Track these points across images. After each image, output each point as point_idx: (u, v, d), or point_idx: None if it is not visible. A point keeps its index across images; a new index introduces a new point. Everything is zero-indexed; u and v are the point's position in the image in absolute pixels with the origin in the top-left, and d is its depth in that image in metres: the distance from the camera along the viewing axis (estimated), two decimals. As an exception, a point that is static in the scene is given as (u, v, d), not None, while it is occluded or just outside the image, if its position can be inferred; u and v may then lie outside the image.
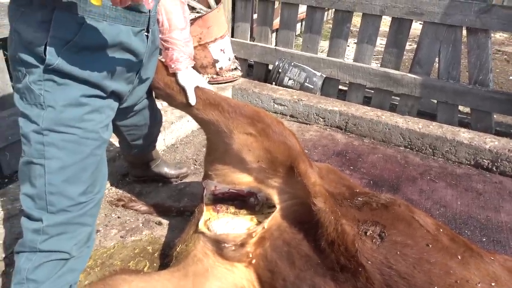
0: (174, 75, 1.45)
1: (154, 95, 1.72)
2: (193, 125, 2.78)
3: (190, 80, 1.43)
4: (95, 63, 1.09)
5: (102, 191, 1.23)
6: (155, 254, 1.67)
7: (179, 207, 1.93)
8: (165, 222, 1.86)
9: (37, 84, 1.05)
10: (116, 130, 1.67)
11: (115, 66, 1.15)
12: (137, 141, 1.78)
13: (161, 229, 1.82)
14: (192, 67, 1.48)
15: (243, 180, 1.43)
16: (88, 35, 1.05)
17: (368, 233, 1.19)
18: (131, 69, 1.24)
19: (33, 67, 1.04)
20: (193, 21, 2.94)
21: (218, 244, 1.34)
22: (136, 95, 1.43)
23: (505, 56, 5.60)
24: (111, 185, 2.08)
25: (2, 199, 1.69)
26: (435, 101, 3.11)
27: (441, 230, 1.22)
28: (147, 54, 1.29)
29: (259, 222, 1.40)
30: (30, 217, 1.09)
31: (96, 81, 1.11)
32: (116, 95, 1.23)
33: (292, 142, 1.31)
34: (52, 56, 1.02)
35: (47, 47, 1.01)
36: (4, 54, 2.03)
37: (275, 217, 1.36)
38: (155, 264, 1.62)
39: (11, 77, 1.65)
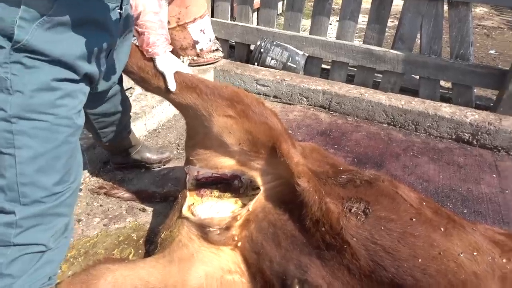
0: (152, 60, 1.39)
1: (123, 83, 1.66)
2: (175, 109, 2.71)
3: (169, 65, 1.37)
4: (69, 41, 1.03)
5: (78, 179, 1.18)
6: (140, 241, 1.65)
7: (163, 193, 1.89)
8: (149, 208, 1.83)
9: (2, 67, 0.97)
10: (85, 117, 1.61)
11: (90, 45, 1.08)
12: (105, 129, 1.72)
13: (145, 216, 1.79)
14: (170, 51, 1.42)
15: (226, 164, 1.40)
16: (62, 10, 0.98)
17: (352, 210, 1.19)
18: (104, 48, 1.18)
19: None
20: (170, 0, 2.83)
21: (202, 229, 1.32)
22: (107, 80, 1.37)
23: (485, 31, 5.64)
24: (91, 173, 2.02)
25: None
26: (418, 77, 3.11)
27: (424, 203, 1.23)
28: (120, 33, 1.23)
29: (244, 205, 1.38)
30: (1, 210, 1.04)
31: (69, 61, 1.05)
32: (88, 79, 1.16)
33: (273, 122, 1.28)
34: (21, 32, 0.95)
35: (17, 22, 0.94)
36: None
37: (260, 199, 1.35)
38: (140, 251, 1.60)
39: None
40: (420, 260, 1.07)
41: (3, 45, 0.96)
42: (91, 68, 1.14)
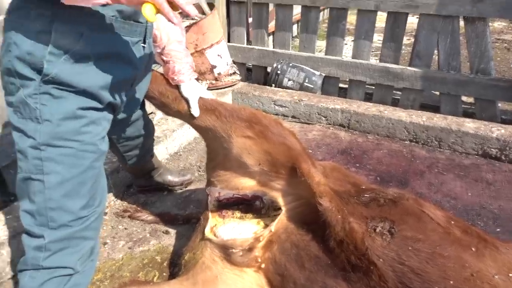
0: (171, 85, 1.45)
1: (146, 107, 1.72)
2: (195, 131, 2.76)
3: (193, 91, 1.42)
4: (94, 73, 1.09)
5: (103, 203, 1.22)
6: (164, 264, 1.65)
7: (185, 215, 1.91)
8: (172, 230, 1.84)
9: (32, 98, 1.04)
10: (109, 142, 1.66)
11: (113, 77, 1.14)
12: (129, 152, 1.77)
13: (168, 238, 1.80)
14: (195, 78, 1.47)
15: (247, 185, 1.41)
16: (87, 45, 1.04)
17: (377, 230, 1.16)
18: (127, 80, 1.24)
19: (29, 80, 1.03)
20: (188, 28, 2.95)
21: (225, 250, 1.32)
22: (130, 107, 1.43)
23: (505, 44, 5.54)
24: (116, 196, 2.07)
25: (8, 216, 1.68)
26: (438, 93, 3.07)
27: (453, 222, 1.19)
28: (143, 66, 1.29)
29: (266, 225, 1.38)
30: (31, 234, 1.08)
31: (94, 92, 1.10)
32: (111, 107, 1.22)
33: (291, 142, 1.29)
34: (50, 66, 1.01)
35: (46, 57, 1.01)
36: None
37: (282, 219, 1.34)
38: (164, 274, 1.60)
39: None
40: (451, 282, 1.02)
41: (33, 77, 1.02)
42: (114, 98, 1.19)
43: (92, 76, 1.09)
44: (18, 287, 1.09)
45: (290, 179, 1.31)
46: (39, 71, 1.02)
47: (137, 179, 2.06)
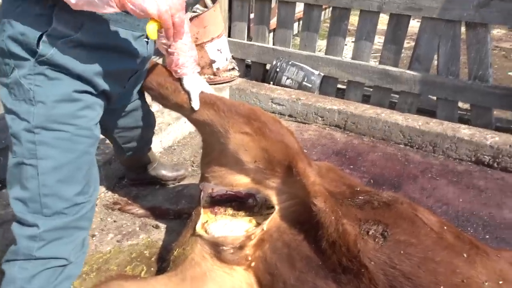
0: (171, 76, 1.42)
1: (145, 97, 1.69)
2: (191, 126, 2.74)
3: (195, 85, 1.39)
4: (90, 61, 1.07)
5: (96, 192, 1.20)
6: (152, 258, 1.63)
7: (176, 210, 1.89)
8: (162, 225, 1.82)
9: (26, 79, 1.01)
10: (107, 132, 1.63)
11: (109, 67, 1.12)
12: (128, 143, 1.74)
13: (158, 233, 1.78)
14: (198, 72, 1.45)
15: (241, 182, 1.39)
16: (86, 35, 1.03)
17: (370, 233, 1.15)
18: (125, 72, 1.22)
19: (23, 60, 1.00)
20: (189, 20, 2.91)
21: (216, 247, 1.30)
22: (126, 98, 1.40)
23: (503, 52, 5.57)
24: (107, 188, 2.04)
25: (-5, 204, 1.65)
26: (435, 98, 3.08)
27: (445, 227, 1.19)
28: (144, 60, 1.27)
29: (258, 224, 1.36)
30: (23, 223, 1.04)
31: (88, 77, 1.08)
32: (105, 95, 1.19)
33: (289, 140, 1.28)
34: (45, 47, 0.99)
35: (43, 38, 0.98)
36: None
37: (274, 218, 1.33)
38: (152, 269, 1.58)
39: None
40: (442, 287, 1.02)
41: (28, 57, 1.00)
42: (109, 87, 1.17)
43: (88, 63, 1.07)
44: (4, 277, 1.05)
45: (285, 178, 1.30)
46: (33, 51, 0.99)
47: (129, 171, 2.03)
